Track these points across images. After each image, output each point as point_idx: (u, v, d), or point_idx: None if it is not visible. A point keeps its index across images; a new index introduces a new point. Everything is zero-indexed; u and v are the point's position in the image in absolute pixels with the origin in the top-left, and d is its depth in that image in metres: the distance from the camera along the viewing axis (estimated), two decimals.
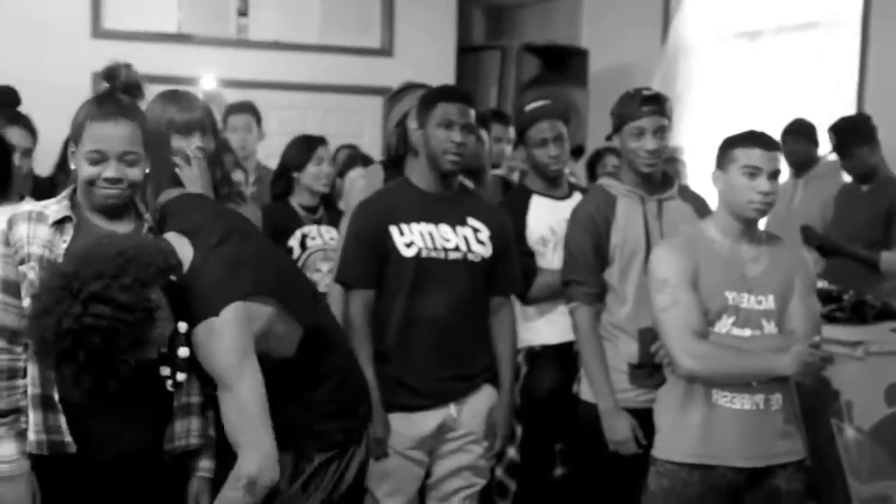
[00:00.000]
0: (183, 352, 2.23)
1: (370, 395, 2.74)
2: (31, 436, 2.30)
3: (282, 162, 3.94)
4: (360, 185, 3.57)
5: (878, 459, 3.31)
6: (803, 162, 5.08)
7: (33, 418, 2.30)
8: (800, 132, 5.06)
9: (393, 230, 3.05)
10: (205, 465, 2.51)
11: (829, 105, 5.53)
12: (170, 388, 2.30)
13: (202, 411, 2.46)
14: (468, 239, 3.11)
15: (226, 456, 2.52)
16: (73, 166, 2.40)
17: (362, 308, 3.05)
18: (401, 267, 3.04)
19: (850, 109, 5.32)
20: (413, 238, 3.05)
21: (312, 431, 2.47)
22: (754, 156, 2.72)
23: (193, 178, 2.72)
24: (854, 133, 4.52)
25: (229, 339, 2.21)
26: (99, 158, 2.32)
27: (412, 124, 3.24)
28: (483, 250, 3.13)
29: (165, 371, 2.27)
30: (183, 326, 2.20)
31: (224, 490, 2.27)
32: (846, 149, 4.55)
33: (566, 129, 3.58)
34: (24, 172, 3.45)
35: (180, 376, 2.28)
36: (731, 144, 2.79)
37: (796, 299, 2.81)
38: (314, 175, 3.84)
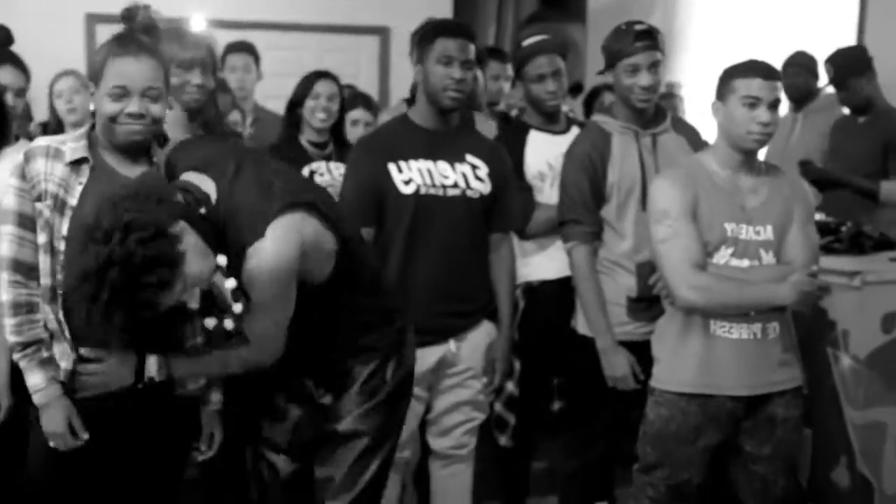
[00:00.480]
0: (230, 283, 2.23)
1: (402, 303, 2.79)
2: (63, 363, 2.34)
3: (290, 98, 3.94)
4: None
5: (873, 387, 3.34)
6: (803, 95, 5.06)
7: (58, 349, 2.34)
8: (801, 65, 5.04)
9: (391, 167, 3.04)
10: (215, 399, 2.56)
11: (829, 38, 5.48)
12: (222, 331, 2.34)
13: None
14: (467, 175, 3.11)
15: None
16: (92, 107, 2.40)
17: None
18: (400, 204, 3.04)
19: (850, 42, 5.27)
20: (412, 175, 3.05)
21: (357, 346, 2.55)
22: (754, 86, 2.71)
23: (175, 122, 2.73)
24: (850, 64, 4.50)
25: (279, 259, 2.21)
26: (122, 94, 2.32)
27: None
28: (482, 187, 3.13)
29: (211, 322, 2.30)
30: (223, 260, 2.20)
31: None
32: (842, 80, 4.53)
33: (564, 64, 3.57)
34: (20, 112, 3.45)
35: (231, 315, 2.29)
36: (730, 75, 2.78)
37: (795, 229, 2.82)
38: (311, 110, 3.82)
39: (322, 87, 3.84)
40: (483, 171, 3.14)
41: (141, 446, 2.46)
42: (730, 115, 2.76)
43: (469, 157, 3.13)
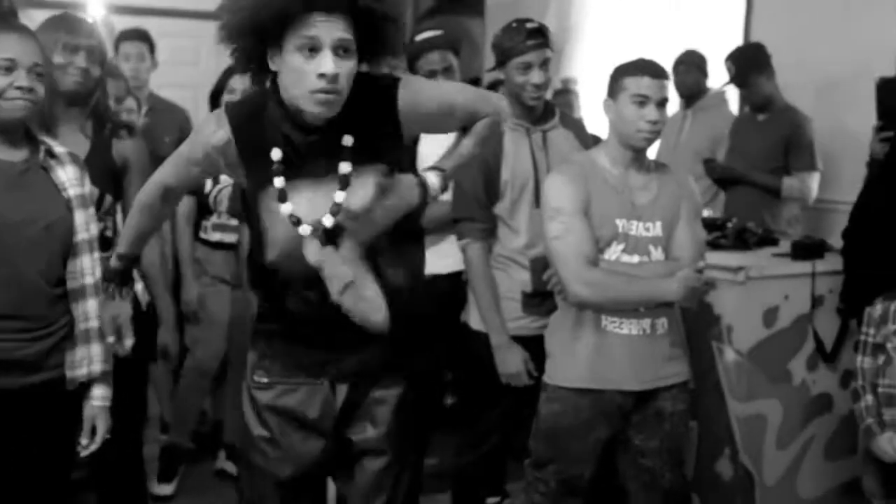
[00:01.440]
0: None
1: None
2: None
3: (210, 90, 3.88)
4: None
5: (755, 380, 3.45)
6: (693, 93, 5.17)
7: None
8: (691, 63, 5.15)
9: None
10: (98, 394, 2.51)
11: (718, 36, 5.62)
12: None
13: (101, 336, 2.45)
14: None
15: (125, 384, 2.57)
16: None
17: None
18: None
19: (737, 40, 5.41)
20: None
21: None
22: (643, 84, 2.77)
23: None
24: (751, 62, 4.60)
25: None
26: (10, 66, 2.30)
27: None
28: None
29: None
30: None
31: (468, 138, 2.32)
32: (744, 78, 4.63)
33: (457, 60, 3.59)
34: None
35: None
36: (620, 73, 2.83)
37: (682, 226, 2.89)
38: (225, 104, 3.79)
39: (237, 83, 3.81)
40: None
41: (24, 446, 2.40)
42: (620, 112, 2.82)
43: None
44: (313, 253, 2.10)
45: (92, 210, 2.51)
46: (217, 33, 2.03)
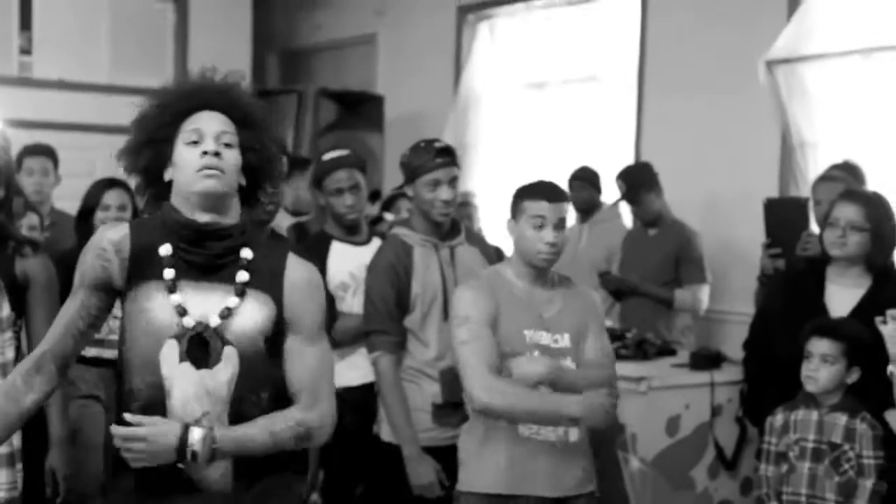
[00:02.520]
0: None
1: None
2: None
3: (80, 206, 3.84)
4: None
5: (660, 488, 3.52)
6: (588, 207, 5.34)
7: None
8: (584, 178, 5.32)
9: None
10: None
11: (609, 153, 5.85)
12: None
13: (12, 462, 2.37)
14: None
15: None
16: None
17: None
18: None
19: (628, 157, 5.64)
20: None
21: None
22: (540, 208, 2.84)
23: None
24: (641, 180, 4.79)
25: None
26: None
27: None
28: None
29: None
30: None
31: (275, 422, 2.07)
32: (635, 195, 4.81)
33: (363, 177, 3.65)
34: None
35: None
36: (520, 196, 2.91)
37: (591, 338, 2.95)
38: (101, 220, 3.75)
39: (111, 198, 3.76)
40: None
41: None
42: (520, 233, 2.89)
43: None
44: (169, 364, 1.99)
45: (7, 334, 2.43)
46: (119, 160, 2.14)
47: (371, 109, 7.08)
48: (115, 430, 1.98)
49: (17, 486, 2.39)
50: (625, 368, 3.60)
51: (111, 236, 2.10)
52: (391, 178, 6.50)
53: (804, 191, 4.45)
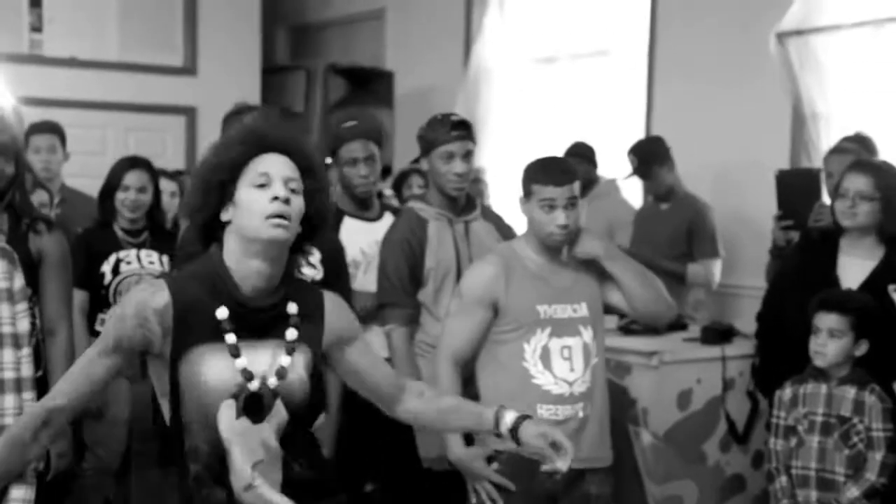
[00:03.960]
0: None
1: None
2: None
3: (103, 184, 3.87)
4: None
5: (671, 462, 3.53)
6: (584, 183, 5.29)
7: None
8: (580, 154, 5.26)
9: None
10: (17, 496, 2.41)
11: (620, 127, 5.83)
12: None
13: (18, 388, 2.37)
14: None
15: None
16: None
17: None
18: None
19: (639, 131, 5.62)
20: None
21: None
22: (548, 192, 2.84)
23: None
24: (652, 155, 4.75)
25: None
26: None
27: None
28: (313, 273, 3.15)
29: None
30: None
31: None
32: (647, 170, 4.78)
33: (378, 149, 3.65)
34: None
35: None
36: (529, 177, 2.91)
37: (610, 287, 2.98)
38: (120, 201, 3.80)
39: (132, 179, 3.80)
40: (316, 257, 3.17)
41: None
42: (531, 214, 2.90)
43: None
44: (227, 423, 2.00)
45: (21, 306, 2.45)
46: (182, 209, 2.09)
47: (381, 85, 7.06)
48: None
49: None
50: (636, 343, 3.62)
51: (154, 305, 2.02)
52: (401, 155, 6.50)
53: (816, 163, 4.43)
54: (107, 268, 3.74)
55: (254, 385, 2.01)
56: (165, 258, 3.85)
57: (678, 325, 3.99)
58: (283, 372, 2.04)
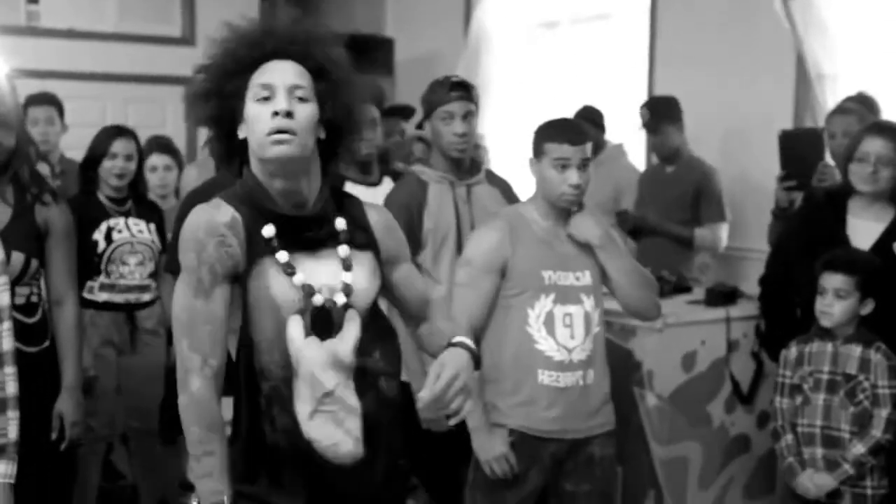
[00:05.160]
0: None
1: None
2: None
3: (86, 153, 3.88)
4: (192, 175, 3.49)
5: (677, 423, 3.53)
6: (592, 147, 5.27)
7: None
8: (588, 119, 5.23)
9: None
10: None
11: (622, 91, 5.79)
12: None
13: (3, 408, 2.34)
14: None
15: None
16: None
17: None
18: None
19: (641, 94, 5.58)
20: None
21: None
22: (563, 151, 2.82)
23: None
24: (665, 112, 4.68)
25: None
26: None
27: None
28: None
29: None
30: None
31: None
32: (657, 125, 4.70)
33: (379, 114, 3.63)
34: None
35: None
36: (542, 136, 2.89)
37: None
38: (107, 170, 3.79)
39: (119, 147, 3.79)
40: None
41: None
42: (543, 174, 2.87)
43: None
44: (296, 341, 1.89)
45: (2, 279, 2.40)
46: (187, 113, 2.00)
47: (380, 52, 7.02)
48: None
49: (7, 433, 2.33)
50: None
51: (222, 220, 1.92)
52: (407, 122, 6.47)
53: (822, 124, 4.39)
54: (99, 236, 3.73)
55: (318, 300, 1.94)
56: (153, 226, 3.85)
57: (682, 287, 3.98)
58: (348, 289, 1.97)
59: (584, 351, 2.88)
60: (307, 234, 1.97)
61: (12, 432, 2.27)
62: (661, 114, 4.70)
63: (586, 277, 2.91)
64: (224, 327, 1.94)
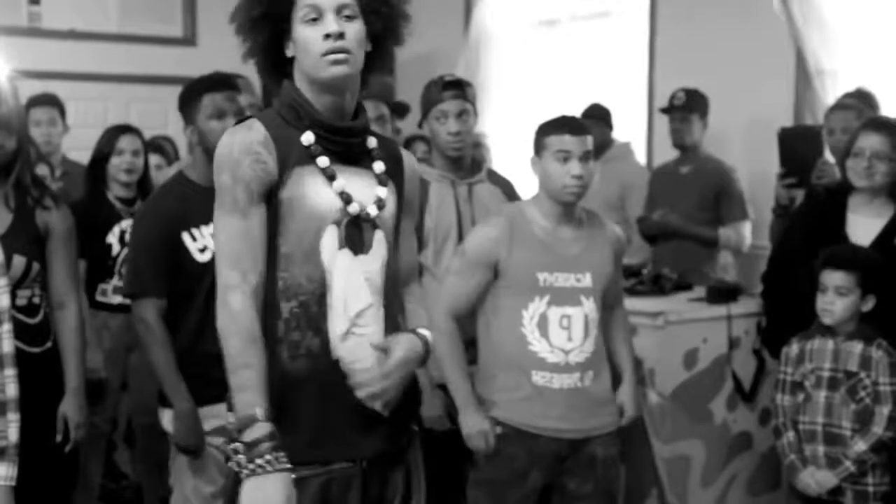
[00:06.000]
0: None
1: None
2: None
3: (92, 153, 3.88)
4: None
5: (678, 421, 3.54)
6: (599, 145, 5.24)
7: None
8: (596, 117, 5.24)
9: (185, 237, 2.94)
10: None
11: (622, 89, 5.79)
12: None
13: (2, 411, 2.35)
14: None
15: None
16: None
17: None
18: (196, 272, 2.90)
19: (641, 94, 5.59)
20: (206, 242, 2.93)
21: None
22: (564, 141, 2.83)
23: None
24: (699, 102, 4.61)
25: None
26: None
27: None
28: None
29: None
30: None
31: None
32: (691, 110, 4.61)
33: (388, 111, 3.65)
34: None
35: None
36: (543, 131, 2.91)
37: (611, 277, 2.98)
38: (116, 166, 3.80)
39: (126, 143, 3.80)
40: None
41: None
42: (545, 169, 2.88)
43: None
44: (330, 252, 1.92)
45: (2, 281, 2.40)
46: (236, 32, 2.03)
47: None
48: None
49: (8, 435, 2.33)
50: (641, 303, 3.61)
51: (256, 138, 1.94)
52: (403, 121, 6.47)
53: (822, 120, 4.39)
54: (113, 239, 3.74)
55: (354, 208, 1.96)
56: None
57: (683, 285, 3.99)
58: (381, 203, 2.01)
59: (583, 353, 2.88)
60: (344, 144, 2.00)
61: (13, 435, 2.26)
62: (694, 102, 4.64)
63: (587, 279, 2.91)
64: (262, 246, 1.94)
